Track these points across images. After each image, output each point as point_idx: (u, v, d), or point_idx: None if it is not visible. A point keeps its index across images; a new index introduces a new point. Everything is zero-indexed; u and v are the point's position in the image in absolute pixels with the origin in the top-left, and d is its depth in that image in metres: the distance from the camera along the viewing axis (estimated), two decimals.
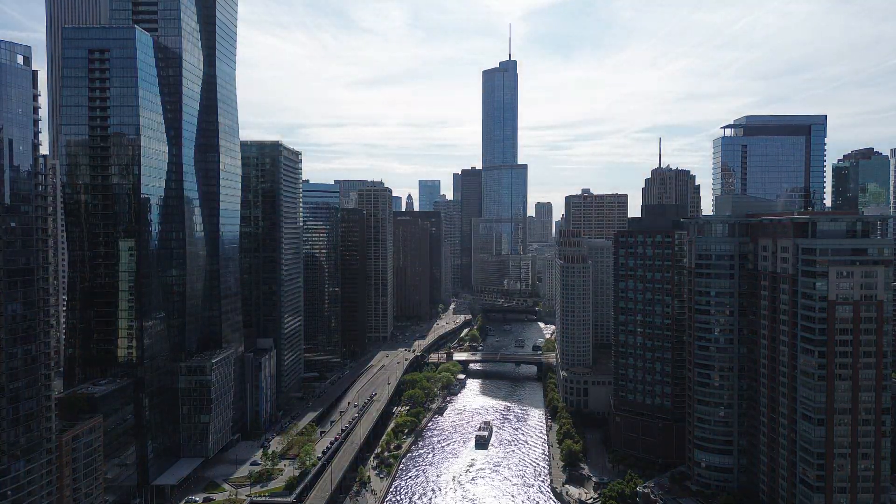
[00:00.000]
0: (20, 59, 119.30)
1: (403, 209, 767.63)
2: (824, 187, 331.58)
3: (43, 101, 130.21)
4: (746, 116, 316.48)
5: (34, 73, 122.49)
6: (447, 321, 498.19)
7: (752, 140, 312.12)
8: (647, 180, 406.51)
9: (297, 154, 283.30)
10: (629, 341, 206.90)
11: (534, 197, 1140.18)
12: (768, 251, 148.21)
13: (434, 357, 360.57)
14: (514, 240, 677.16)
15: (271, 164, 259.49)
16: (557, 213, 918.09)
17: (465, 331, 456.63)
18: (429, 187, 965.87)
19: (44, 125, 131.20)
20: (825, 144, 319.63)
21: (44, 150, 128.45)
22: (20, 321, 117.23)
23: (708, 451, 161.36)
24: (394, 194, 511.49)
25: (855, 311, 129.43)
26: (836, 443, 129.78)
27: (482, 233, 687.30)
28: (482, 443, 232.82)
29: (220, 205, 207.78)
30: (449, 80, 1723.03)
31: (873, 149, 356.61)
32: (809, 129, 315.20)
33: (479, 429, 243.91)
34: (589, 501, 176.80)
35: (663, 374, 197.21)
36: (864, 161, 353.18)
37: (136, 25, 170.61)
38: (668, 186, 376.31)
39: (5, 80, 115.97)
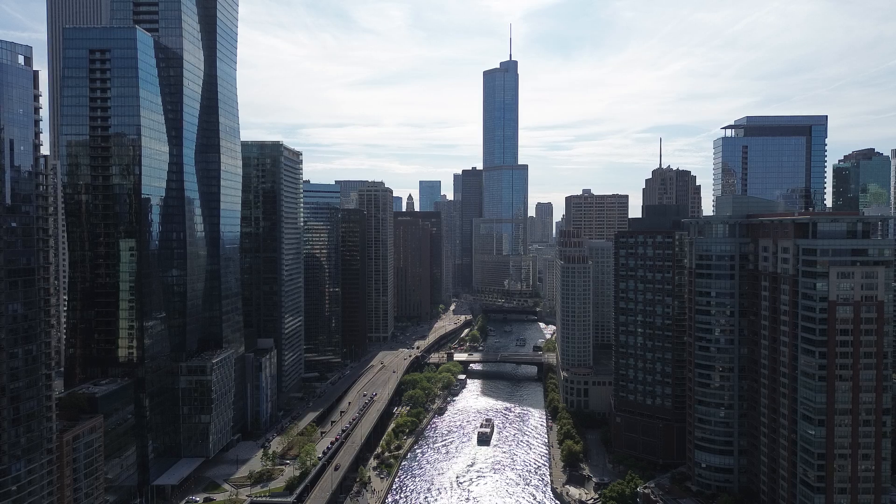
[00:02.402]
0: (21, 60, 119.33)
1: (404, 209, 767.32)
2: (825, 188, 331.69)
3: (44, 101, 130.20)
4: (747, 117, 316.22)
5: (35, 73, 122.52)
6: (448, 321, 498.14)
7: (753, 140, 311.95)
8: (647, 181, 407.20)
9: (298, 154, 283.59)
10: (630, 342, 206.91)
11: (534, 197, 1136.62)
12: (769, 252, 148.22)
13: (434, 357, 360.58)
14: (514, 240, 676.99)
15: (272, 165, 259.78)
16: (558, 213, 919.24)
17: (466, 331, 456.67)
18: (429, 187, 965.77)
19: (44, 125, 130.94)
20: (826, 145, 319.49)
21: (44, 150, 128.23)
22: (21, 321, 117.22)
23: (708, 451, 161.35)
24: (394, 195, 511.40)
25: (855, 312, 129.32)
26: (837, 443, 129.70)
27: (483, 233, 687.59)
28: (484, 439, 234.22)
29: (221, 205, 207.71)
30: (449, 80, 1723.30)
31: (874, 149, 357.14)
32: (810, 130, 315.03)
33: (482, 425, 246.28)
34: (589, 502, 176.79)
35: (664, 374, 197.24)
36: (864, 161, 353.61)
37: (136, 26, 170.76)
38: (669, 187, 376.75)
39: (6, 81, 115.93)
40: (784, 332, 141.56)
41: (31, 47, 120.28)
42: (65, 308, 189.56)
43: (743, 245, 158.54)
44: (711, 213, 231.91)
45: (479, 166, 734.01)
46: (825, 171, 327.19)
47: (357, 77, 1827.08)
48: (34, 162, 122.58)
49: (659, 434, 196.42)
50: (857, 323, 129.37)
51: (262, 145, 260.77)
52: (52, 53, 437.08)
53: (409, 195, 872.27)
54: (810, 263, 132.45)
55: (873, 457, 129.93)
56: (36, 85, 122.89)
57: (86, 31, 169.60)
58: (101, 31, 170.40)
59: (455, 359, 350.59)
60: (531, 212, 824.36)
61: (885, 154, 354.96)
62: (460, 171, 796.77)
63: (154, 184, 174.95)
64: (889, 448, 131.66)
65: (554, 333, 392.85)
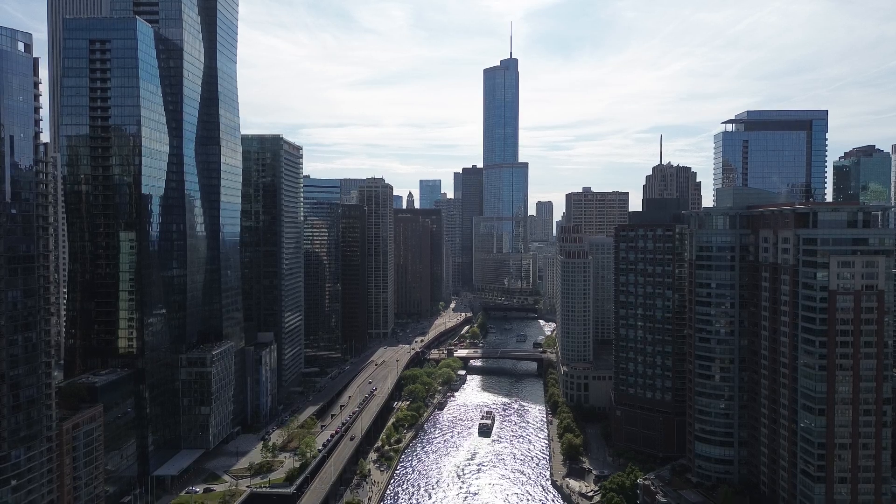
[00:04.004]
0: (21, 47, 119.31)
1: (404, 207, 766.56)
2: (825, 184, 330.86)
3: (44, 98, 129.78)
4: (748, 111, 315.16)
5: (35, 60, 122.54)
6: (448, 319, 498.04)
7: (753, 135, 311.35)
8: (647, 177, 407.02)
9: (298, 149, 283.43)
10: (630, 335, 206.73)
11: (534, 197, 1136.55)
12: (769, 242, 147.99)
13: (435, 354, 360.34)
14: (514, 238, 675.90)
15: (272, 159, 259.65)
16: (558, 212, 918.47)
17: (466, 328, 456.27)
18: (430, 186, 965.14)
19: (45, 121, 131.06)
20: (826, 140, 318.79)
21: (44, 138, 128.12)
22: (21, 308, 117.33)
23: (708, 442, 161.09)
24: (395, 193, 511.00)
25: (856, 302, 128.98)
26: (837, 433, 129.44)
27: (483, 231, 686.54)
28: (485, 431, 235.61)
29: (221, 198, 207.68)
30: (450, 80, 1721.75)
31: (874, 146, 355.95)
32: (810, 125, 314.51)
33: (483, 417, 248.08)
34: (589, 494, 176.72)
35: (664, 367, 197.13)
36: (865, 159, 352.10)
37: (137, 16, 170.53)
38: (669, 183, 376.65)
39: (6, 68, 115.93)
40: (784, 322, 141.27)
41: (31, 34, 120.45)
42: (64, 300, 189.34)
43: (743, 236, 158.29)
44: (712, 206, 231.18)
45: (480, 165, 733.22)
46: (825, 167, 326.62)
47: (357, 77, 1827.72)
48: (34, 150, 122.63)
49: (659, 427, 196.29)
50: (857, 312, 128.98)
51: (262, 139, 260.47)
52: (53, 52, 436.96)
53: (410, 193, 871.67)
54: (811, 253, 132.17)
55: (873, 447, 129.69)
56: (36, 72, 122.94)
57: (86, 22, 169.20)
58: (101, 22, 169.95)
59: (455, 355, 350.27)
60: (531, 210, 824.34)
61: (885, 151, 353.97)
62: (460, 170, 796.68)
63: (154, 175, 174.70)
64: (889, 438, 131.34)
65: (554, 330, 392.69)
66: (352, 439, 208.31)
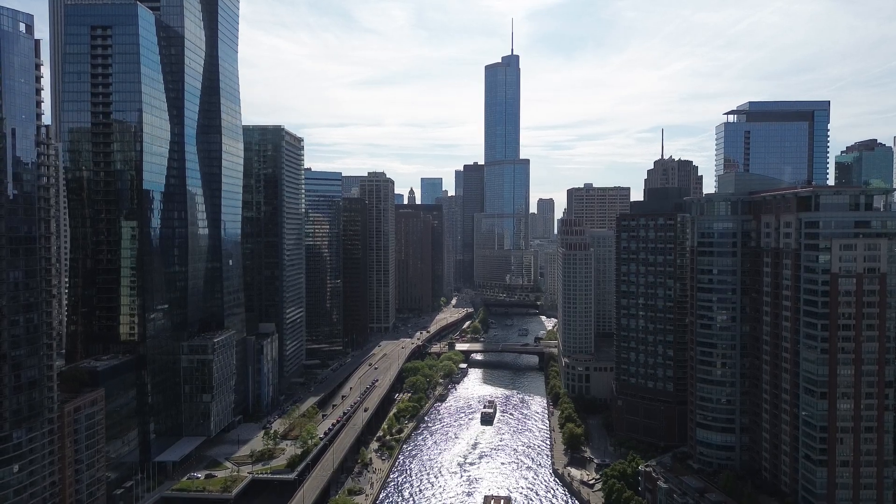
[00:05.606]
0: (22, 28, 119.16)
1: (406, 204, 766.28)
2: (827, 179, 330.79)
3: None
4: (749, 102, 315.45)
5: (37, 42, 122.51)
6: (449, 314, 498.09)
7: (755, 126, 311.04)
8: (649, 171, 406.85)
9: (300, 140, 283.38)
10: (631, 325, 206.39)
11: (535, 196, 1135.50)
12: (771, 227, 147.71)
13: (436, 347, 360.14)
14: (515, 235, 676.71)
15: (273, 150, 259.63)
16: (559, 210, 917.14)
17: (467, 323, 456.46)
18: (431, 184, 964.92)
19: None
20: (828, 130, 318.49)
21: (45, 119, 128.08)
22: (22, 289, 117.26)
23: (710, 429, 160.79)
24: (396, 192, 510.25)
25: (857, 285, 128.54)
26: (839, 417, 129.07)
27: (484, 228, 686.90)
28: (487, 419, 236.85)
29: (223, 186, 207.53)
30: (451, 79, 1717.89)
31: (877, 140, 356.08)
32: (812, 116, 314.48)
33: (485, 406, 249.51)
34: (591, 482, 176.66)
35: (665, 357, 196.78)
36: (867, 153, 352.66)
37: (138, 3, 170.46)
38: (671, 176, 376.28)
39: (8, 49, 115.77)
40: (786, 307, 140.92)
41: (33, 15, 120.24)
42: (66, 288, 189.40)
43: (745, 222, 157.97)
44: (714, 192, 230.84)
45: (481, 163, 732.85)
46: (827, 158, 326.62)
47: (359, 77, 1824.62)
48: (35, 131, 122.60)
49: (660, 417, 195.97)
50: (859, 296, 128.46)
51: (263, 130, 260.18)
52: (55, 49, 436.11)
53: (411, 189, 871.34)
54: (812, 237, 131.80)
55: (876, 430, 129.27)
56: (37, 54, 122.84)
57: (88, 9, 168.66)
58: (102, 8, 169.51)
59: (457, 348, 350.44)
60: (532, 208, 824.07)
61: (887, 145, 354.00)
62: (462, 168, 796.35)
63: (155, 163, 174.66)
64: (892, 422, 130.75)
65: (555, 326, 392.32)
66: (365, 410, 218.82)
